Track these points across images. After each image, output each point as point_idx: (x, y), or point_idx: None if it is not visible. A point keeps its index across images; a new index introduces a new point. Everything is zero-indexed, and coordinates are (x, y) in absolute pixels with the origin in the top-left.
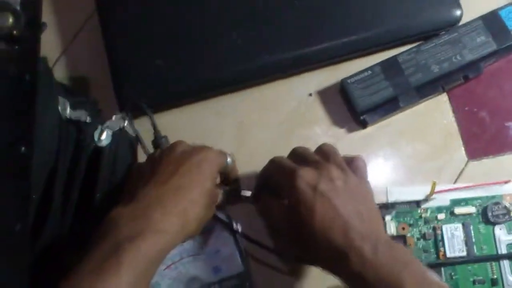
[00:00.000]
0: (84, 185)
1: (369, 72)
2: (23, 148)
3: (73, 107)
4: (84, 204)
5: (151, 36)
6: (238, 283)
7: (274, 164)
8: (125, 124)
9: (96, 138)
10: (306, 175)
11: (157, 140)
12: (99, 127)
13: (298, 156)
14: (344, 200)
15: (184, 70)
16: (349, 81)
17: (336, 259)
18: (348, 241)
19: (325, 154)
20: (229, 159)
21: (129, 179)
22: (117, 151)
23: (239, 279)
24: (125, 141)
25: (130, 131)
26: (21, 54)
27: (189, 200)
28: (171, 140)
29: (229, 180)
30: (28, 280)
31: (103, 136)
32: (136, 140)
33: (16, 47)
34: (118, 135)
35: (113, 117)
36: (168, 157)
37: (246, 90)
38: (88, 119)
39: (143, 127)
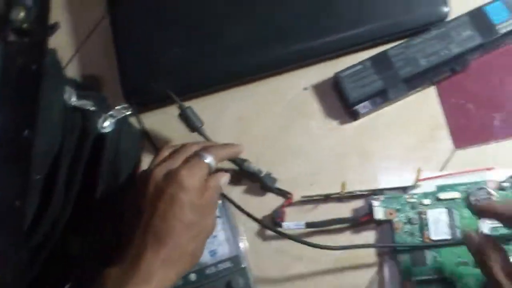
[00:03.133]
0: (87, 170)
1: (361, 66)
2: (26, 132)
3: (79, 97)
4: (86, 190)
5: (155, 31)
6: (232, 265)
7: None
8: (128, 113)
9: (99, 125)
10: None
11: (184, 113)
12: (103, 115)
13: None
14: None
15: (185, 65)
16: (341, 74)
17: None
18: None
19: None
20: (209, 160)
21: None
22: (119, 140)
23: (233, 261)
24: (129, 133)
25: (137, 125)
26: (30, 46)
27: (175, 249)
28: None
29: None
30: (26, 254)
31: (106, 123)
32: (143, 133)
33: (26, 39)
34: (121, 124)
35: (117, 107)
36: (145, 193)
37: (244, 86)
38: (93, 108)
39: (150, 121)
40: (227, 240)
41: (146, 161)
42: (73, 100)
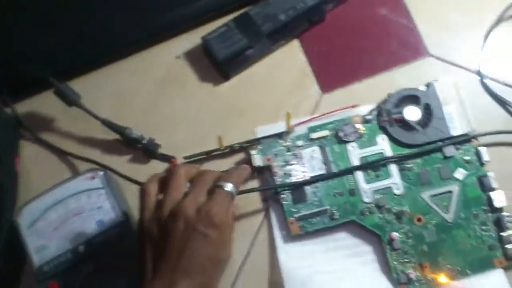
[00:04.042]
0: None
1: (225, 27)
2: None
3: None
4: None
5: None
6: (120, 231)
7: None
8: None
9: None
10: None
11: (58, 88)
12: None
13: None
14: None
15: (54, 48)
16: (208, 37)
17: None
18: None
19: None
20: (230, 189)
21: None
22: None
23: (121, 227)
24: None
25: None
26: None
27: (204, 286)
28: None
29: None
30: None
31: None
32: (17, 121)
33: None
34: None
35: None
36: (175, 229)
37: (118, 62)
38: None
39: (25, 108)
40: (112, 209)
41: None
42: None
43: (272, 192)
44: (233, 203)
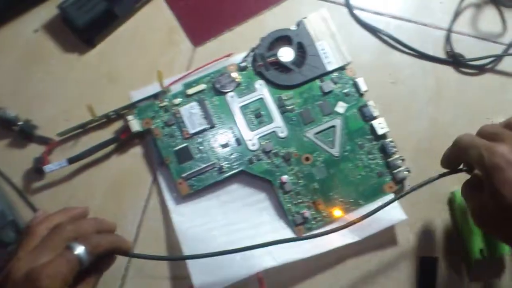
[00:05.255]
0: None
1: None
2: None
3: None
4: None
5: None
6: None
7: (462, 144)
8: None
9: None
10: (506, 152)
11: None
12: None
13: (488, 134)
14: None
15: None
16: (64, 5)
17: None
18: None
19: None
20: (80, 252)
21: None
22: None
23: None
24: None
25: None
26: None
27: None
28: None
29: None
30: None
31: None
32: None
33: None
34: None
35: None
36: None
37: None
38: None
39: None
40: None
41: None
42: None
43: (157, 158)
44: (92, 276)
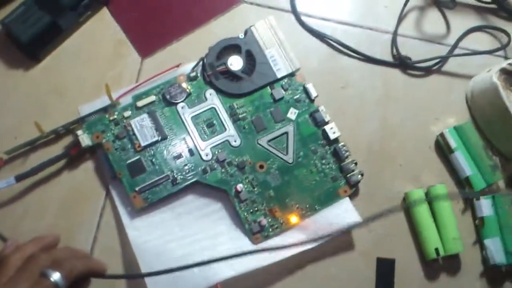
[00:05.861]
0: None
1: (23, 6)
2: None
3: None
4: None
5: None
6: None
7: None
8: None
9: None
10: None
11: None
12: None
13: None
14: None
15: None
16: (6, 20)
17: None
18: None
19: None
20: (56, 279)
21: None
22: None
23: None
24: None
25: None
26: None
27: None
28: None
29: None
30: None
31: None
32: None
33: None
34: None
35: None
36: None
37: None
38: None
39: None
40: None
41: None
42: None
43: (110, 172)
44: None
